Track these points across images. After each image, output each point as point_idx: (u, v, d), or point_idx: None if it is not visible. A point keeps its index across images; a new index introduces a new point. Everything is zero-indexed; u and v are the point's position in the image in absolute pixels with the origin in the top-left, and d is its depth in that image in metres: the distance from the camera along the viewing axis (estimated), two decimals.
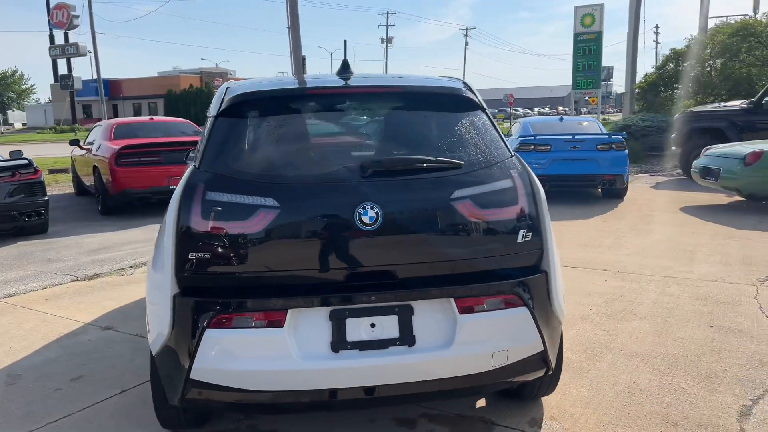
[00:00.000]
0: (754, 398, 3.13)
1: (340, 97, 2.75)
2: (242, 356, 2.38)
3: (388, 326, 2.43)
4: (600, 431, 2.86)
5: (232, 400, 2.47)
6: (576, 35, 22.47)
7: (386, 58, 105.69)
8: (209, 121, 2.73)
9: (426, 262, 2.45)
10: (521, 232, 2.53)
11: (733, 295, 4.84)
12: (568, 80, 24.88)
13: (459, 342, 2.44)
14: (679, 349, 3.77)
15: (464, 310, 2.46)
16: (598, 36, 22.28)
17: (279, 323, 2.37)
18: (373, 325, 2.43)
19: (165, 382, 2.59)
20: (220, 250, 2.37)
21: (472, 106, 2.78)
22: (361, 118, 2.74)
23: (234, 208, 2.38)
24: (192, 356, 2.38)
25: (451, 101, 2.76)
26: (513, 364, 2.54)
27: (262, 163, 2.54)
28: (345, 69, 2.89)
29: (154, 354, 2.61)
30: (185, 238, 2.40)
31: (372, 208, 2.37)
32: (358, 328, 2.41)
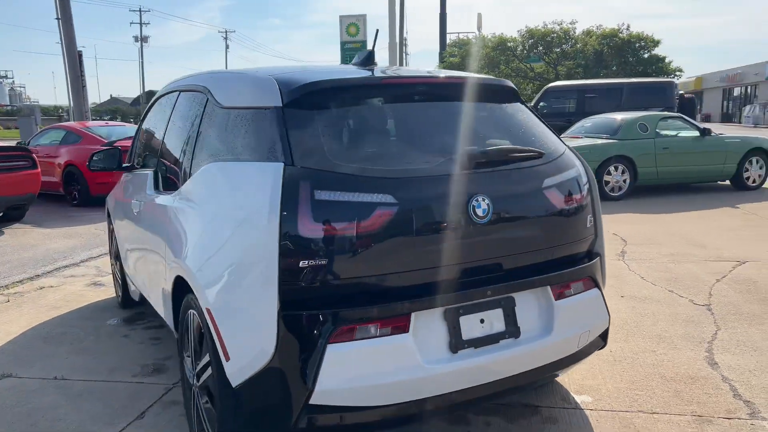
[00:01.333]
0: (708, 349, 3.70)
1: (417, 88, 2.63)
2: (367, 370, 2.15)
3: (495, 320, 2.39)
4: (623, 395, 3.14)
5: (352, 422, 2.21)
6: (342, 43, 23.41)
7: (142, 57, 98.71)
8: (267, 113, 2.36)
9: (525, 251, 2.47)
10: (588, 218, 2.68)
11: None
12: None
13: (557, 328, 2.49)
14: (618, 319, 4.27)
15: (559, 296, 2.53)
16: (363, 45, 23.50)
17: (404, 328, 2.19)
18: (482, 321, 2.37)
19: (257, 420, 2.22)
20: (334, 254, 2.10)
21: (519, 101, 2.86)
22: (436, 110, 2.62)
23: (348, 207, 2.13)
24: (312, 378, 2.08)
25: (506, 96, 2.80)
26: (590, 342, 2.68)
27: (362, 156, 2.30)
28: (370, 60, 2.76)
29: (236, 385, 2.21)
30: (292, 245, 2.08)
31: (483, 200, 2.31)
32: (471, 326, 2.33)
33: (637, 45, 29.79)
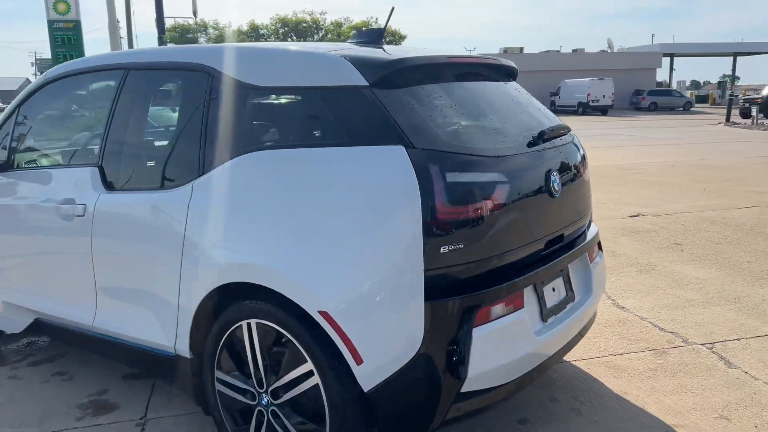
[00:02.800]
0: (610, 296, 4.37)
1: (479, 68, 2.64)
2: (500, 350, 2.16)
3: (560, 288, 2.57)
4: (586, 345, 3.58)
5: (486, 404, 2.19)
6: (50, 22, 20.99)
7: None
8: (352, 93, 2.17)
9: (576, 220, 2.68)
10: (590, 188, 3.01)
11: None
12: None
13: (594, 289, 2.78)
14: None
15: (591, 260, 2.81)
16: (77, 25, 21.28)
17: (521, 304, 2.24)
18: (553, 290, 2.53)
19: (394, 422, 2.07)
20: (468, 236, 2.06)
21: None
22: (492, 89, 2.65)
23: (474, 188, 2.10)
24: (464, 365, 2.02)
25: (516, 75, 2.95)
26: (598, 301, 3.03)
27: (461, 136, 2.25)
28: (378, 39, 2.70)
29: (368, 390, 2.03)
30: (435, 230, 1.99)
31: (556, 174, 2.46)
32: (548, 295, 2.48)
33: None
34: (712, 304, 4.22)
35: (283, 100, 2.36)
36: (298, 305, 2.11)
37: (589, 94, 37.42)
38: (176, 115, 2.64)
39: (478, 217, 2.07)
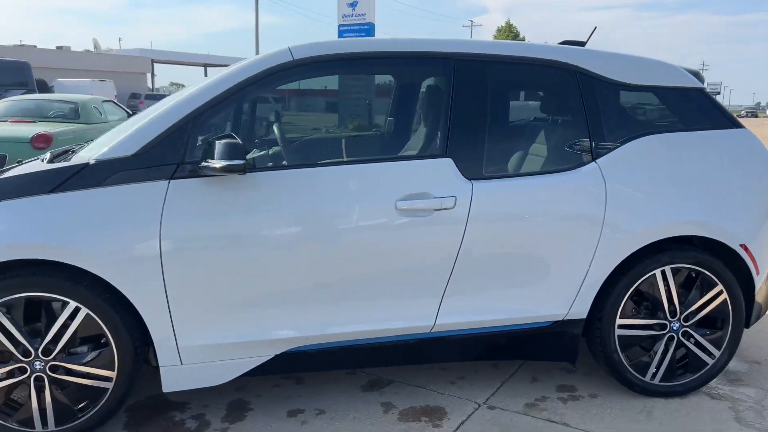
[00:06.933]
0: None
1: None
2: None
3: None
4: None
5: None
6: None
7: None
8: (696, 93, 3.18)
9: None
10: None
11: None
12: None
13: None
14: None
15: None
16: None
17: None
18: None
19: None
20: None
21: None
22: None
23: None
24: None
25: None
26: None
27: None
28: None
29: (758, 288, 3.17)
30: None
31: None
32: None
33: None
34: None
35: (646, 95, 3.10)
36: (714, 245, 3.04)
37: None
38: (538, 106, 2.97)
39: None
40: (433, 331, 2.90)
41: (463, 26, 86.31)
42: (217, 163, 2.48)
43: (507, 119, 3.17)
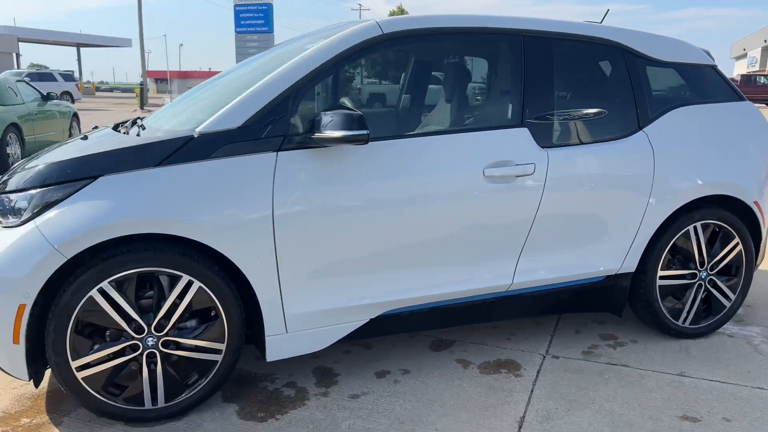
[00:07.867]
0: None
1: None
2: None
3: None
4: None
5: None
6: None
7: None
8: (711, 70, 3.60)
9: None
10: None
11: None
12: None
13: None
14: None
15: None
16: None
17: None
18: None
19: None
20: None
21: None
22: None
23: None
24: None
25: None
26: None
27: None
28: None
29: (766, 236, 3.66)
30: None
31: None
32: None
33: None
34: None
35: (669, 71, 3.47)
36: (739, 204, 3.49)
37: None
38: (591, 80, 3.26)
39: None
40: (509, 289, 3.14)
41: (352, 9, 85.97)
42: (338, 133, 2.55)
43: (569, 92, 3.43)
